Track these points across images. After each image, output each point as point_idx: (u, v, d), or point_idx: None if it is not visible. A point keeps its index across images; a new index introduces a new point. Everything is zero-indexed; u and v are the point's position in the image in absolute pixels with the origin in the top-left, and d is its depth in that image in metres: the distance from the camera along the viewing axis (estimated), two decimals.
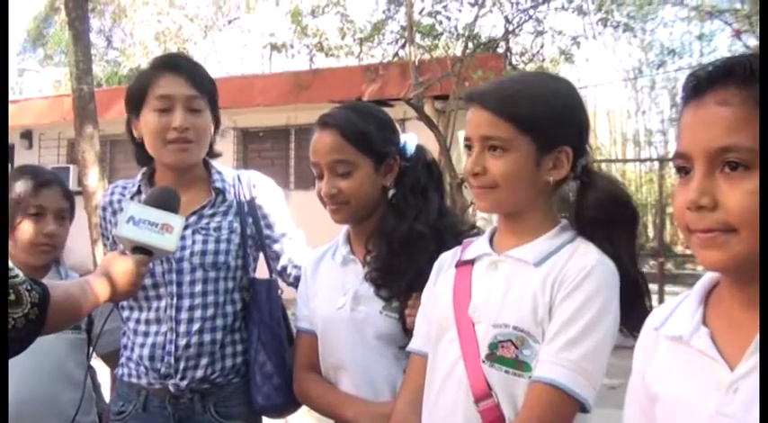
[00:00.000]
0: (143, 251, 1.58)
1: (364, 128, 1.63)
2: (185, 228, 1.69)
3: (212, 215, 1.83)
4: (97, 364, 2.02)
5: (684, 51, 15.53)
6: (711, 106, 0.90)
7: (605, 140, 17.57)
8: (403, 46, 9.53)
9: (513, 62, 9.64)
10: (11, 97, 11.07)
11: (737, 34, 10.75)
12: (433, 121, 8.20)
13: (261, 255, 1.91)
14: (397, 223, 1.62)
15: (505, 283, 1.32)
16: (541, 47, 9.90)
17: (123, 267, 1.53)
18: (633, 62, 17.72)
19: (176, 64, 1.83)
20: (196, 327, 1.75)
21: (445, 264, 1.49)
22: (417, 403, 1.41)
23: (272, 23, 13.19)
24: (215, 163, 1.93)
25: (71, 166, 10.32)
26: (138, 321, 1.81)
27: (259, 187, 1.91)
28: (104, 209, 1.94)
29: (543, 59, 10.31)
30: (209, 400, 1.77)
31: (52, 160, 11.83)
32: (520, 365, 1.26)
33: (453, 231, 1.62)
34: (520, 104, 1.31)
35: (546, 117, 1.31)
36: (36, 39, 20.76)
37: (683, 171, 0.94)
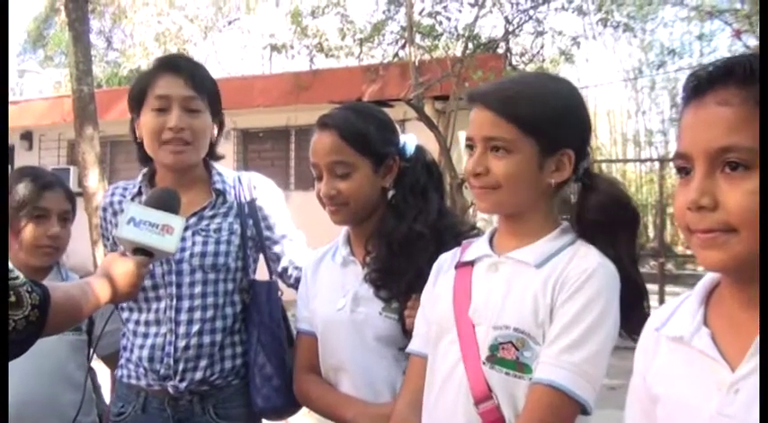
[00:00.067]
0: (143, 252, 1.58)
1: (363, 129, 1.63)
2: (185, 229, 1.69)
3: (212, 216, 1.83)
4: (97, 365, 2.02)
5: (684, 51, 15.54)
6: (712, 106, 0.90)
7: (605, 141, 17.57)
8: (403, 46, 9.53)
9: (513, 63, 9.65)
10: (11, 98, 11.08)
11: (737, 34, 10.76)
12: (433, 122, 8.21)
13: (261, 257, 1.91)
14: (397, 224, 1.62)
15: (506, 285, 1.32)
16: (541, 47, 9.91)
17: (124, 269, 1.53)
18: (633, 62, 17.75)
19: (175, 64, 1.83)
20: (195, 328, 1.75)
21: (444, 265, 1.48)
22: (417, 404, 1.41)
23: (272, 24, 13.20)
24: (216, 164, 1.93)
25: (71, 168, 10.33)
26: (137, 322, 1.81)
27: (259, 189, 1.90)
28: (105, 210, 1.94)
29: (543, 60, 10.32)
30: (208, 402, 1.76)
31: (52, 161, 11.83)
32: (520, 367, 1.26)
33: (453, 232, 1.62)
34: (524, 106, 1.30)
35: (550, 119, 1.30)
36: (36, 40, 20.76)
37: (684, 171, 0.94)
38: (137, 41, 17.58)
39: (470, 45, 9.06)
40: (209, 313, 1.77)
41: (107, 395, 2.06)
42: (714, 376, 0.94)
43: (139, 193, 1.87)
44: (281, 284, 1.89)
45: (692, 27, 15.45)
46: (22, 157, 11.91)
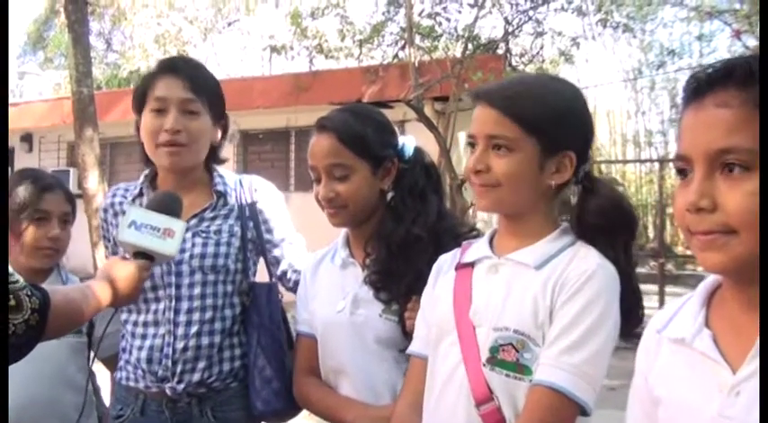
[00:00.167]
0: (144, 256, 1.57)
1: (361, 131, 1.63)
2: (186, 230, 1.69)
3: (213, 218, 1.83)
4: (97, 367, 2.02)
5: (684, 52, 15.54)
6: (711, 108, 0.90)
7: (605, 141, 17.56)
8: (403, 47, 9.54)
9: (513, 63, 9.65)
10: (11, 100, 11.07)
11: (737, 34, 10.77)
12: (433, 123, 8.21)
13: (261, 259, 1.91)
14: (396, 226, 1.62)
15: (506, 287, 1.32)
16: (541, 48, 9.92)
17: (125, 272, 1.53)
18: (633, 63, 17.71)
19: (174, 66, 1.84)
20: (194, 330, 1.75)
21: (444, 266, 1.48)
22: (418, 406, 1.41)
23: (272, 25, 13.19)
24: (217, 166, 1.93)
25: (71, 169, 10.33)
26: (135, 324, 1.81)
27: (260, 191, 1.90)
28: (106, 211, 1.94)
29: (543, 60, 10.32)
30: (206, 405, 1.76)
31: (52, 163, 11.84)
32: (520, 369, 1.26)
33: (452, 234, 1.62)
34: (528, 105, 1.30)
35: (553, 120, 1.30)
36: (36, 42, 20.77)
37: (684, 173, 0.94)
38: (136, 43, 17.59)
39: (470, 46, 9.07)
40: (208, 315, 1.76)
41: (107, 397, 2.06)
42: (715, 378, 0.94)
43: (140, 194, 1.87)
44: (280, 287, 1.89)
45: (691, 27, 15.46)
46: (21, 159, 11.92)
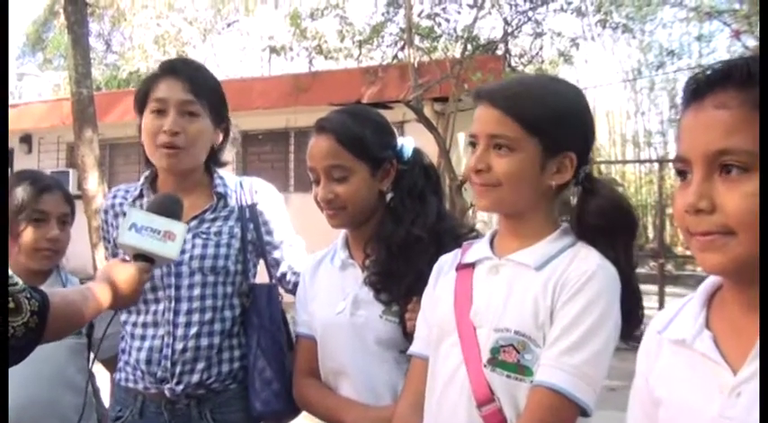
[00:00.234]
0: (145, 258, 1.57)
1: (360, 133, 1.63)
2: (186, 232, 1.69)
3: (213, 220, 1.83)
4: (97, 368, 2.02)
5: (683, 52, 15.56)
6: (710, 110, 0.90)
7: (604, 142, 17.57)
8: (402, 48, 9.54)
9: (513, 64, 9.65)
10: (10, 102, 11.06)
11: (736, 35, 10.78)
12: (433, 124, 8.21)
13: (261, 261, 1.91)
14: (395, 227, 1.62)
15: (507, 288, 1.32)
16: (540, 48, 9.92)
17: (125, 274, 1.53)
18: (632, 63, 17.72)
19: (174, 68, 1.84)
20: (193, 331, 1.75)
21: (445, 267, 1.48)
22: (419, 407, 1.40)
23: (271, 26, 13.19)
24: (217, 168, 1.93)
25: (70, 170, 10.34)
26: (135, 325, 1.81)
27: (261, 193, 1.90)
28: (106, 212, 1.94)
29: (542, 61, 10.32)
30: (205, 407, 1.76)
31: (51, 164, 11.83)
32: (521, 370, 1.26)
33: (453, 234, 1.62)
34: (530, 105, 1.30)
35: (554, 121, 1.30)
36: (35, 43, 20.78)
37: (683, 174, 0.94)
38: (136, 44, 17.60)
39: (469, 46, 9.07)
40: (208, 316, 1.76)
41: (106, 398, 2.06)
42: (716, 379, 0.94)
43: (141, 195, 1.87)
44: (280, 289, 1.89)
45: (690, 28, 15.48)
46: (21, 161, 11.91)
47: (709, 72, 0.93)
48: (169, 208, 1.63)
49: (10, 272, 1.20)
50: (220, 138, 1.88)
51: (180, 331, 1.75)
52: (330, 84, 9.54)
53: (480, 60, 8.68)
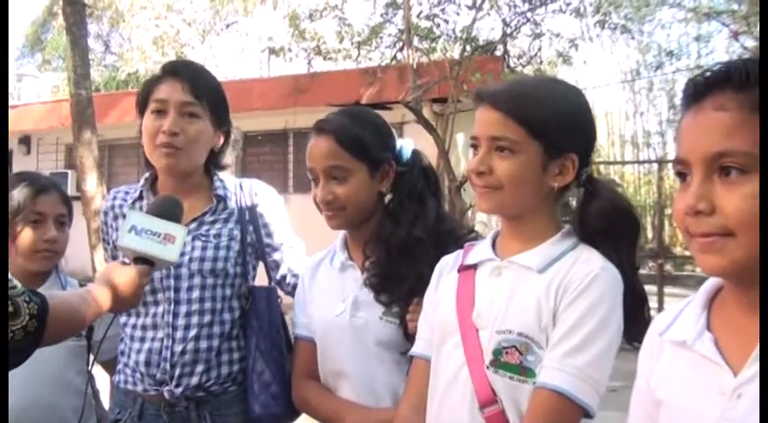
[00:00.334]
0: (145, 261, 1.56)
1: (359, 134, 1.63)
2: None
3: (213, 222, 1.83)
4: (97, 370, 2.02)
5: (682, 53, 15.53)
6: (709, 112, 0.90)
7: (603, 142, 17.56)
8: (401, 49, 9.55)
9: (511, 65, 9.65)
10: (9, 103, 11.04)
11: (735, 35, 10.79)
12: (432, 124, 8.21)
13: (261, 264, 1.91)
14: (395, 229, 1.62)
15: (509, 290, 1.32)
16: (539, 49, 9.92)
17: (125, 277, 1.52)
18: (631, 64, 17.72)
19: (176, 69, 1.84)
20: (192, 333, 1.74)
21: (446, 268, 1.48)
22: (421, 408, 1.40)
23: (270, 27, 13.23)
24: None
25: (69, 172, 10.33)
26: (134, 327, 1.81)
27: (260, 196, 1.90)
28: (106, 213, 1.94)
29: (541, 62, 10.32)
30: (204, 409, 1.76)
31: (50, 166, 11.83)
32: (524, 372, 1.26)
33: (453, 236, 1.62)
34: (532, 108, 1.30)
35: (557, 123, 1.30)
36: (34, 44, 20.79)
37: (683, 177, 0.94)
38: (134, 45, 17.62)
39: (468, 47, 9.07)
40: (207, 318, 1.76)
41: (106, 400, 2.06)
42: (717, 381, 0.93)
43: (140, 197, 1.87)
44: (279, 291, 1.88)
45: (689, 28, 15.47)
46: (20, 162, 11.90)
47: (707, 74, 0.93)
48: (169, 210, 1.62)
49: (9, 275, 1.20)
50: (221, 140, 1.88)
51: (179, 334, 1.74)
52: (329, 85, 9.54)
53: (479, 61, 8.68)
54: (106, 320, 1.72)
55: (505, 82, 1.51)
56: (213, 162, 1.89)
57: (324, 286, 1.72)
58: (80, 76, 6.43)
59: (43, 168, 11.05)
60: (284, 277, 1.90)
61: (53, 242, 1.91)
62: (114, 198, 1.93)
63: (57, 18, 16.98)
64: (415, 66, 8.50)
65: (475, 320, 1.32)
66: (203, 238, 1.79)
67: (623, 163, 15.90)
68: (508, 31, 9.50)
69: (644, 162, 16.40)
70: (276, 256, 1.89)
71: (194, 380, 1.74)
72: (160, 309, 1.77)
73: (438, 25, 9.48)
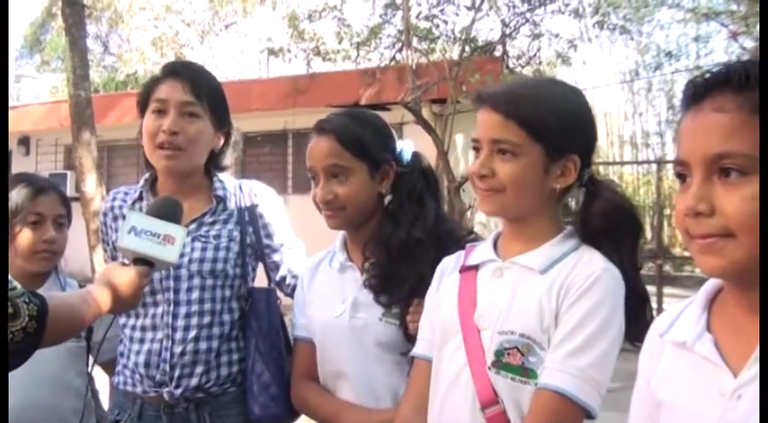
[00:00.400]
0: (144, 262, 1.56)
1: (360, 134, 1.64)
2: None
3: (212, 223, 1.83)
4: (96, 371, 2.02)
5: (681, 53, 15.54)
6: (708, 113, 0.91)
7: (602, 143, 17.57)
8: (400, 50, 9.55)
9: (510, 65, 9.66)
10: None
11: (734, 36, 10.80)
12: (431, 125, 8.22)
13: (261, 265, 1.90)
14: (394, 230, 1.62)
15: (511, 291, 1.32)
16: (538, 50, 9.93)
17: (125, 278, 1.52)
18: (630, 64, 17.74)
19: (176, 70, 1.84)
20: (192, 334, 1.74)
21: (447, 268, 1.48)
22: (422, 409, 1.40)
23: (269, 28, 13.22)
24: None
25: (68, 173, 10.33)
26: (134, 328, 1.81)
27: (260, 197, 1.90)
28: (105, 214, 1.94)
29: (540, 62, 10.33)
30: (204, 410, 1.75)
31: (50, 166, 11.82)
32: (526, 372, 1.26)
33: (453, 237, 1.62)
34: (533, 110, 1.30)
35: (558, 125, 1.30)
36: (33, 45, 20.79)
37: (683, 178, 0.94)
38: (133, 46, 17.62)
39: (467, 48, 9.07)
40: (206, 319, 1.76)
41: (105, 401, 2.06)
42: (717, 382, 0.94)
43: (140, 198, 1.87)
44: (279, 292, 1.88)
45: (688, 29, 15.48)
46: (19, 163, 11.89)
47: (707, 76, 0.93)
48: (169, 211, 1.62)
49: (9, 276, 1.20)
50: (221, 141, 1.88)
51: (179, 335, 1.74)
52: (328, 85, 9.54)
53: (478, 62, 8.69)
54: (106, 321, 1.72)
55: (506, 83, 1.51)
56: (213, 163, 1.89)
57: (323, 287, 1.72)
58: (79, 77, 6.42)
59: (42, 169, 11.06)
60: (284, 278, 1.89)
61: (52, 243, 1.91)
62: (114, 199, 1.93)
63: (56, 19, 16.99)
64: (414, 66, 8.50)
65: (477, 321, 1.32)
66: (203, 239, 1.79)
67: (622, 163, 15.92)
68: (507, 31, 9.51)
69: (643, 162, 16.42)
70: (276, 257, 1.89)
71: (194, 381, 1.74)
72: (159, 310, 1.77)
73: (437, 26, 9.49)
